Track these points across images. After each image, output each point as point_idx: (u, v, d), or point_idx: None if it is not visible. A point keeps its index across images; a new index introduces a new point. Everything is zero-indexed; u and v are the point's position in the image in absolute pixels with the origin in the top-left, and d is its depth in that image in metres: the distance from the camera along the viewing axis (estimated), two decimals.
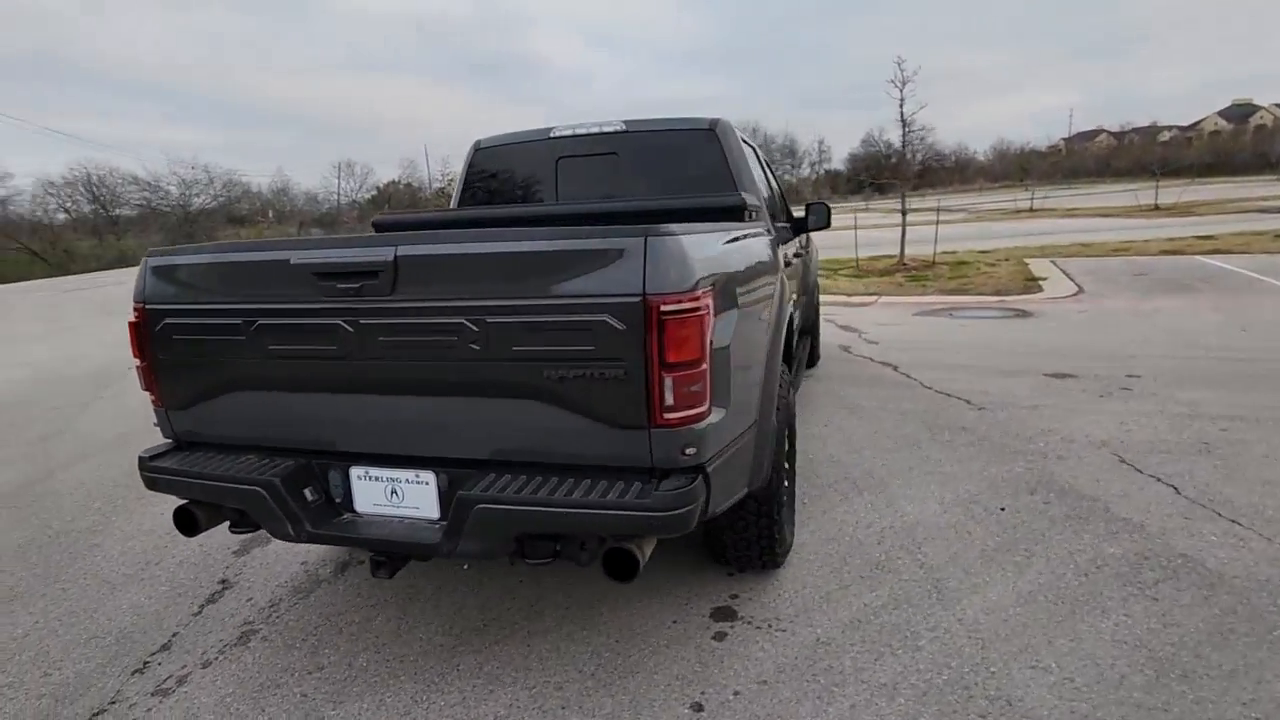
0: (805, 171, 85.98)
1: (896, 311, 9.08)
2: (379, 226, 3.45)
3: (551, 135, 3.67)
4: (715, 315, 1.91)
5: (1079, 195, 39.86)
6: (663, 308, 1.73)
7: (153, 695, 2.32)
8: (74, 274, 28.55)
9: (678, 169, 3.50)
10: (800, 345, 5.23)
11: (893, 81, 12.65)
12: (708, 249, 1.97)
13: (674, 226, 1.83)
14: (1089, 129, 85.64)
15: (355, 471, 2.13)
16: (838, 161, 79.70)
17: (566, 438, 1.88)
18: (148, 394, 2.32)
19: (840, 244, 15.12)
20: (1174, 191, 28.56)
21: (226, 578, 3.07)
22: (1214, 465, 3.60)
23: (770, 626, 2.48)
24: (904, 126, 13.02)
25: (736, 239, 2.34)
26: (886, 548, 2.98)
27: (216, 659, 2.50)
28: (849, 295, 10.59)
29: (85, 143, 73.77)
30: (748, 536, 2.57)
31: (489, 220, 3.26)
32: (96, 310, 14.49)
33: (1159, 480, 3.48)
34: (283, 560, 3.17)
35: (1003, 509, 3.28)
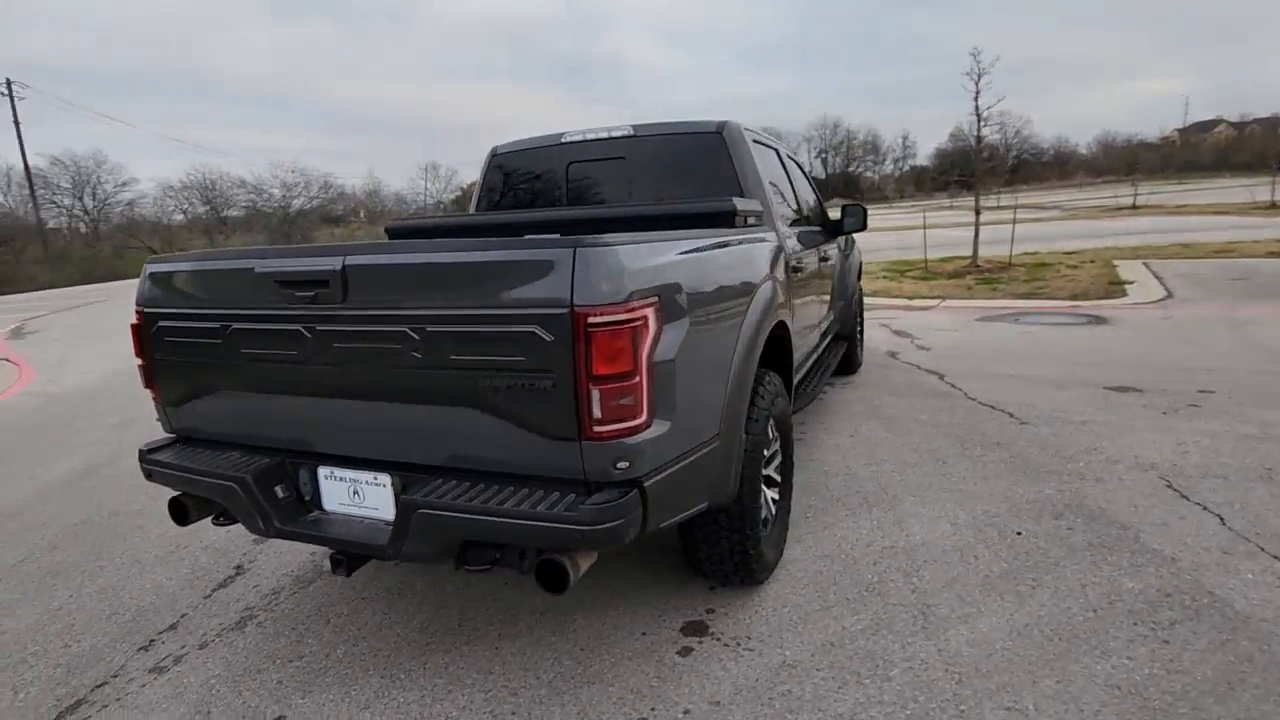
0: (888, 168, 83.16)
1: (958, 316, 8.65)
2: (391, 232, 3.58)
3: (563, 141, 3.70)
4: (659, 326, 1.88)
5: (1190, 191, 36.78)
6: (590, 320, 1.72)
7: (150, 672, 2.49)
8: None
9: (684, 173, 3.45)
10: (832, 352, 5.07)
11: (968, 74, 12.03)
12: (653, 259, 1.93)
13: (609, 237, 1.80)
14: (1207, 119, 78.85)
15: (322, 471, 2.22)
16: (923, 157, 76.69)
17: (507, 447, 1.89)
18: (149, 391, 2.49)
19: (918, 244, 14.54)
20: None
21: (242, 563, 3.26)
22: (1272, 494, 3.25)
23: (738, 645, 2.42)
24: (979, 120, 12.35)
25: (703, 247, 2.29)
26: (882, 569, 2.85)
27: (213, 641, 2.66)
28: (910, 299, 10.16)
29: (198, 148, 79.83)
30: (720, 551, 2.51)
31: (489, 225, 3.32)
32: None
33: (1205, 509, 3.17)
34: (294, 549, 3.33)
35: (1019, 533, 3.07)
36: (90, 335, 12.04)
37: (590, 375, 1.73)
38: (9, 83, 32.43)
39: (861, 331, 6.32)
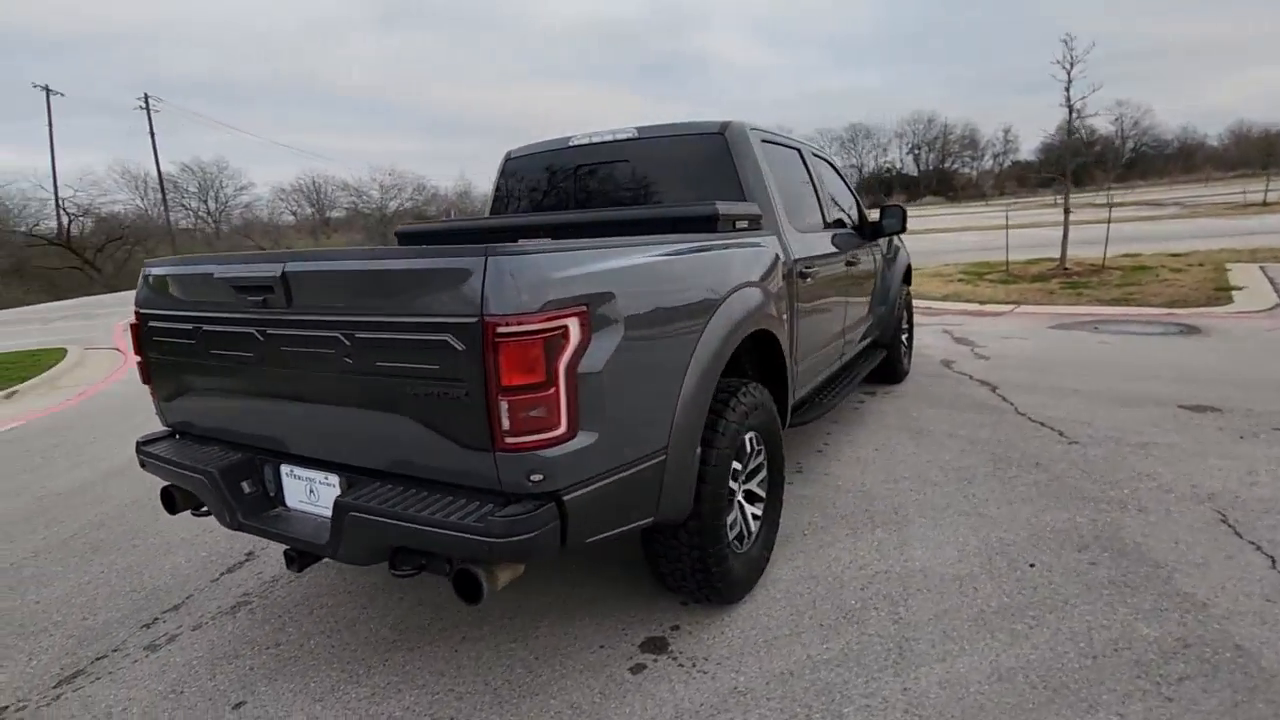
0: (988, 163, 78.81)
1: (1030, 323, 8.06)
2: (401, 236, 3.68)
3: (570, 144, 3.69)
4: (585, 337, 1.83)
5: None
6: (499, 329, 1.69)
7: (144, 649, 2.66)
8: None
9: (686, 174, 3.37)
10: (865, 360, 4.84)
11: (1059, 62, 11.15)
12: (580, 267, 1.87)
13: (528, 244, 1.77)
14: None
15: (285, 469, 2.29)
16: (1027, 152, 72.13)
17: (434, 455, 1.89)
18: (146, 386, 2.66)
19: (1017, 244, 13.67)
20: None
21: (253, 550, 3.43)
22: None
23: (694, 666, 2.33)
24: (1070, 112, 11.42)
25: (653, 255, 2.21)
26: (868, 595, 2.67)
27: (206, 623, 2.81)
28: (983, 304, 9.56)
29: (304, 153, 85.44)
30: (680, 568, 2.43)
31: (493, 229, 3.35)
32: None
33: (1258, 548, 2.80)
34: None
35: (1032, 565, 2.81)
36: None
37: (500, 386, 1.70)
38: (146, 97, 35.79)
39: (910, 338, 6.00)
